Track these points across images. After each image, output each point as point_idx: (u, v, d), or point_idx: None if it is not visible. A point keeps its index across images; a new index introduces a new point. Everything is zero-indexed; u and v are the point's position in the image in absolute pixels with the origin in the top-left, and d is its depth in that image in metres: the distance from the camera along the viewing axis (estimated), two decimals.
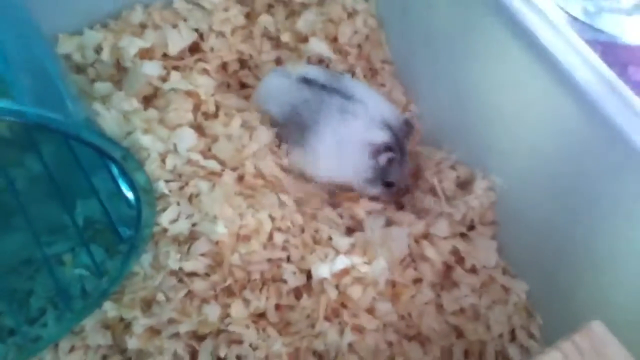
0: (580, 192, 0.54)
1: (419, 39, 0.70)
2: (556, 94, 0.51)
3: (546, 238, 0.58)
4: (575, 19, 0.75)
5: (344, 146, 0.61)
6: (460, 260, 0.61)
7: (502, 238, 0.63)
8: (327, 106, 0.61)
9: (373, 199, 0.64)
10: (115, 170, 0.47)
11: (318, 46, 0.71)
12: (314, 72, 0.65)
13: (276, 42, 0.73)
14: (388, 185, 0.63)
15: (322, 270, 0.54)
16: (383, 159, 0.60)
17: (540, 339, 0.59)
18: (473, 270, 0.61)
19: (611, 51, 0.70)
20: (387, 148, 0.60)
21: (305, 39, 0.72)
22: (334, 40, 0.73)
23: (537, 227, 0.59)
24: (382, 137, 0.60)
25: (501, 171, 0.62)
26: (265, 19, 0.72)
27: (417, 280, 0.58)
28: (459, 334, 0.58)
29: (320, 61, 0.72)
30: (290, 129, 0.62)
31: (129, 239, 0.48)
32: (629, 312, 0.50)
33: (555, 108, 0.52)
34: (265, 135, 0.62)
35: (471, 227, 0.63)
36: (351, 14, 0.74)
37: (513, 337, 0.59)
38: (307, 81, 0.63)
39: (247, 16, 0.72)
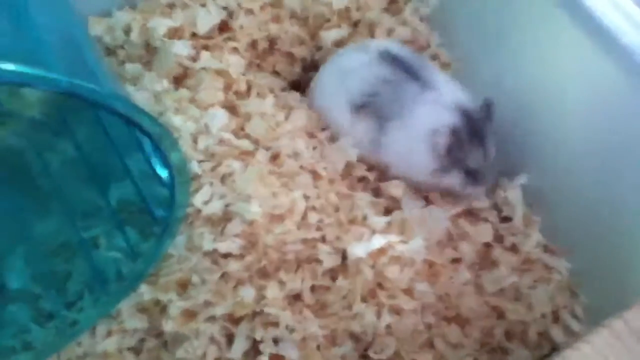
0: (628, 167, 0.51)
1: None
2: (602, 62, 0.48)
3: (591, 214, 0.56)
4: None
5: (412, 140, 0.57)
6: (499, 238, 0.60)
7: (544, 215, 0.61)
8: (404, 93, 0.58)
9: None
10: (149, 148, 0.46)
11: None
12: (396, 47, 0.62)
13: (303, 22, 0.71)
14: (469, 173, 0.57)
15: (358, 250, 0.52)
16: (442, 143, 0.55)
17: (585, 320, 0.57)
18: (513, 248, 0.59)
19: None
20: (452, 132, 0.55)
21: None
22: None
23: (580, 206, 0.57)
24: (446, 121, 0.56)
25: (544, 150, 0.60)
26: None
27: (456, 260, 0.57)
28: (500, 314, 0.56)
29: None
30: (369, 118, 0.59)
31: (163, 220, 0.47)
32: None
33: (602, 79, 0.50)
34: (301, 116, 0.61)
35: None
36: None
37: (556, 317, 0.57)
38: (390, 58, 0.60)
39: None
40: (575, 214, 0.58)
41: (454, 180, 0.58)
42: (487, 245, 0.59)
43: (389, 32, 0.70)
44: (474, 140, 0.56)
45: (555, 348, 0.56)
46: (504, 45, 0.62)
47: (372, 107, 0.59)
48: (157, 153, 0.44)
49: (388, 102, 0.58)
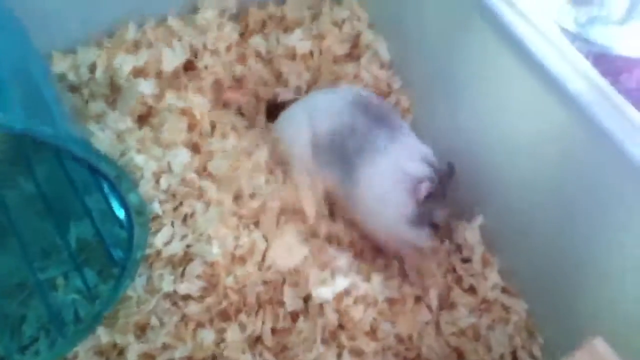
0: (578, 206, 0.53)
1: (412, 45, 0.70)
2: (551, 104, 0.50)
3: (546, 254, 0.58)
4: (566, 30, 0.74)
5: (388, 185, 0.57)
6: (458, 280, 0.61)
7: (501, 257, 0.63)
8: (374, 136, 0.58)
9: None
10: (107, 190, 0.46)
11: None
12: (366, 92, 0.63)
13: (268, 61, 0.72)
14: (434, 226, 0.58)
15: (323, 292, 0.53)
16: (423, 190, 0.55)
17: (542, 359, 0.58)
18: (472, 289, 0.60)
19: (603, 61, 0.69)
20: (431, 181, 0.55)
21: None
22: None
23: (536, 245, 0.58)
24: (423, 170, 0.56)
25: (498, 190, 0.61)
26: (256, 40, 0.71)
27: (417, 299, 0.58)
28: (460, 355, 0.57)
29: None
30: (335, 157, 0.59)
31: (121, 261, 0.47)
32: (631, 327, 0.49)
33: (551, 120, 0.52)
34: (263, 154, 0.61)
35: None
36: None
37: (514, 357, 0.58)
38: (359, 99, 0.61)
39: (241, 33, 0.72)
40: (531, 255, 0.59)
41: (421, 233, 0.58)
42: (447, 286, 0.60)
43: (352, 77, 0.71)
44: (441, 196, 0.57)
45: None
46: (458, 90, 0.64)
47: (340, 147, 0.59)
48: (115, 194, 0.44)
49: (357, 143, 0.58)
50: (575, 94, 0.48)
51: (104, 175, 0.42)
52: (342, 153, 0.59)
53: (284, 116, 0.65)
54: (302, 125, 0.62)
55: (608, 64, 0.70)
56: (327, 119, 0.60)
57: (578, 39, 0.72)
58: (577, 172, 0.52)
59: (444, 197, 0.57)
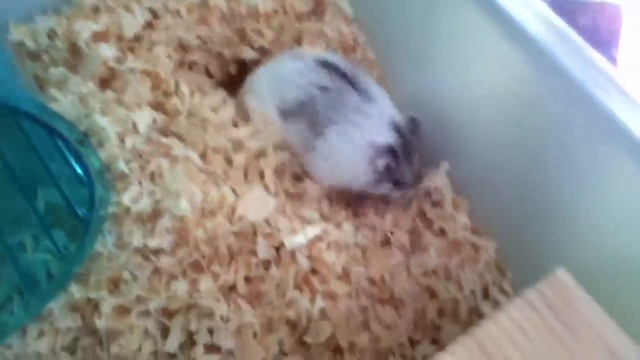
0: (541, 147, 0.54)
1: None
2: (511, 50, 0.51)
3: (513, 195, 0.59)
4: None
5: (351, 150, 0.58)
6: (429, 223, 0.62)
7: (470, 200, 0.64)
8: (343, 102, 0.58)
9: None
10: (67, 152, 0.46)
11: None
12: (334, 57, 0.63)
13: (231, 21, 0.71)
14: (397, 183, 0.59)
15: (296, 239, 0.53)
16: (381, 163, 0.57)
17: (513, 294, 0.60)
18: (442, 232, 0.61)
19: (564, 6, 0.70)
20: (389, 151, 0.57)
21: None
22: None
23: (503, 186, 0.59)
24: (385, 139, 0.57)
25: (466, 137, 0.62)
26: (217, 0, 0.70)
27: (386, 243, 0.59)
28: (432, 294, 0.58)
29: None
30: (302, 122, 0.60)
31: (86, 219, 0.47)
32: (593, 258, 0.50)
33: (512, 66, 0.53)
34: (228, 111, 0.62)
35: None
36: None
37: (485, 294, 0.59)
38: (327, 66, 0.60)
39: None
40: (498, 195, 0.61)
41: (383, 189, 0.60)
42: (417, 231, 0.61)
43: (317, 35, 0.71)
44: (405, 158, 0.58)
45: None
46: (423, 43, 0.65)
47: (307, 113, 0.59)
48: (74, 155, 0.44)
49: (325, 109, 0.59)
50: (534, 37, 0.49)
51: (64, 138, 0.42)
52: (307, 122, 0.59)
53: (250, 83, 0.66)
54: (267, 97, 0.62)
55: (565, 7, 0.71)
56: (293, 88, 0.60)
57: None
58: (539, 114, 0.53)
59: (410, 155, 0.59)
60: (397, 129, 0.58)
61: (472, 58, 0.58)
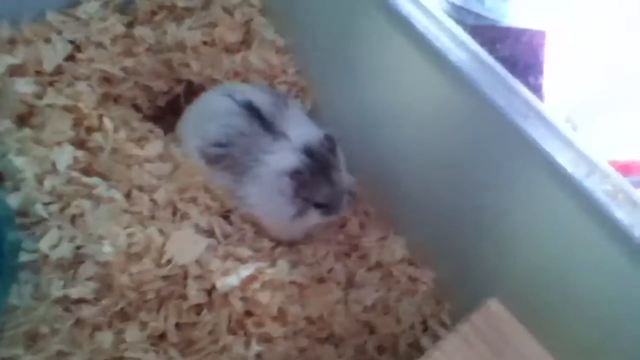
0: (469, 175, 0.54)
1: (306, 29, 0.70)
2: (435, 76, 0.51)
3: (446, 226, 0.59)
4: (452, 3, 0.77)
5: (265, 189, 0.58)
6: (364, 257, 0.61)
7: (406, 231, 0.64)
8: (257, 145, 0.58)
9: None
10: None
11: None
12: (259, 93, 0.62)
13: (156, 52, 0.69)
14: (319, 206, 0.58)
15: (230, 281, 0.51)
16: (288, 186, 0.57)
17: (451, 326, 0.59)
18: (378, 265, 0.61)
19: (483, 32, 0.72)
20: (294, 173, 0.56)
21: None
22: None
23: (436, 215, 0.59)
24: (289, 163, 0.57)
25: (396, 164, 0.62)
26: (143, 31, 0.68)
27: (321, 280, 0.57)
28: (371, 329, 0.57)
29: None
30: (224, 169, 0.60)
31: None
32: (525, 287, 0.51)
33: (437, 93, 0.53)
34: (155, 147, 0.59)
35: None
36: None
37: (425, 327, 0.59)
38: (249, 109, 0.60)
39: (129, 25, 0.69)
40: (434, 226, 0.60)
41: (314, 219, 0.59)
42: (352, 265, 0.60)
43: (244, 66, 0.70)
44: (319, 176, 0.57)
45: None
46: (355, 69, 0.64)
47: (227, 161, 0.59)
48: None
49: (242, 155, 0.59)
50: (456, 64, 0.49)
51: None
52: (229, 170, 0.59)
53: (179, 124, 0.65)
54: (190, 138, 0.62)
55: (486, 34, 0.72)
56: (214, 128, 0.60)
57: (463, 10, 0.74)
58: (466, 140, 0.53)
59: (327, 173, 0.58)
60: (309, 152, 0.58)
61: (402, 84, 0.58)
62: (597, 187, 0.42)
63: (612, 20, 0.78)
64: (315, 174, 0.57)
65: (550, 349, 0.45)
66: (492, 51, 0.50)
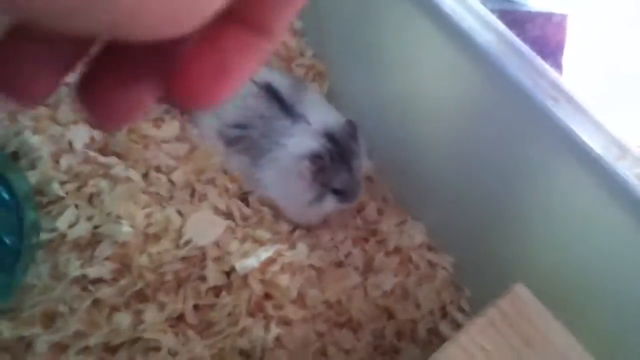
0: (494, 159, 0.53)
1: (324, 11, 0.68)
2: (461, 60, 0.50)
3: (467, 211, 0.58)
4: None
5: (283, 172, 0.57)
6: (382, 242, 0.60)
7: (426, 216, 0.63)
8: (275, 129, 0.57)
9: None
10: None
11: None
12: (277, 78, 0.61)
13: None
14: (337, 192, 0.57)
15: (249, 263, 0.50)
16: (306, 169, 0.55)
17: (471, 312, 0.58)
18: (397, 250, 0.60)
19: (512, 16, 0.71)
20: (314, 156, 0.55)
21: None
22: None
23: (457, 200, 0.58)
24: (308, 147, 0.55)
25: (418, 149, 0.61)
26: None
27: (340, 264, 0.57)
28: (390, 315, 0.56)
29: None
30: (242, 153, 0.58)
31: (13, 249, 0.43)
32: (549, 272, 0.50)
33: (463, 76, 0.51)
34: (171, 127, 0.58)
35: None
36: None
37: (444, 313, 0.58)
38: (268, 91, 0.58)
39: None
40: (454, 210, 0.59)
41: (330, 205, 0.57)
42: (372, 250, 0.59)
43: None
44: (339, 162, 0.56)
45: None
46: (374, 53, 0.63)
47: (246, 143, 0.58)
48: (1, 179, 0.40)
49: (261, 138, 0.57)
50: (483, 46, 0.48)
51: None
52: (247, 153, 0.58)
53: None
54: (206, 118, 0.60)
55: (513, 18, 0.71)
56: (232, 109, 0.58)
57: None
58: (490, 124, 0.52)
59: (346, 159, 0.56)
60: (329, 136, 0.56)
61: (424, 68, 0.57)
62: (628, 171, 0.41)
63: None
64: (335, 160, 0.56)
65: (576, 336, 0.44)
66: (519, 33, 0.49)
